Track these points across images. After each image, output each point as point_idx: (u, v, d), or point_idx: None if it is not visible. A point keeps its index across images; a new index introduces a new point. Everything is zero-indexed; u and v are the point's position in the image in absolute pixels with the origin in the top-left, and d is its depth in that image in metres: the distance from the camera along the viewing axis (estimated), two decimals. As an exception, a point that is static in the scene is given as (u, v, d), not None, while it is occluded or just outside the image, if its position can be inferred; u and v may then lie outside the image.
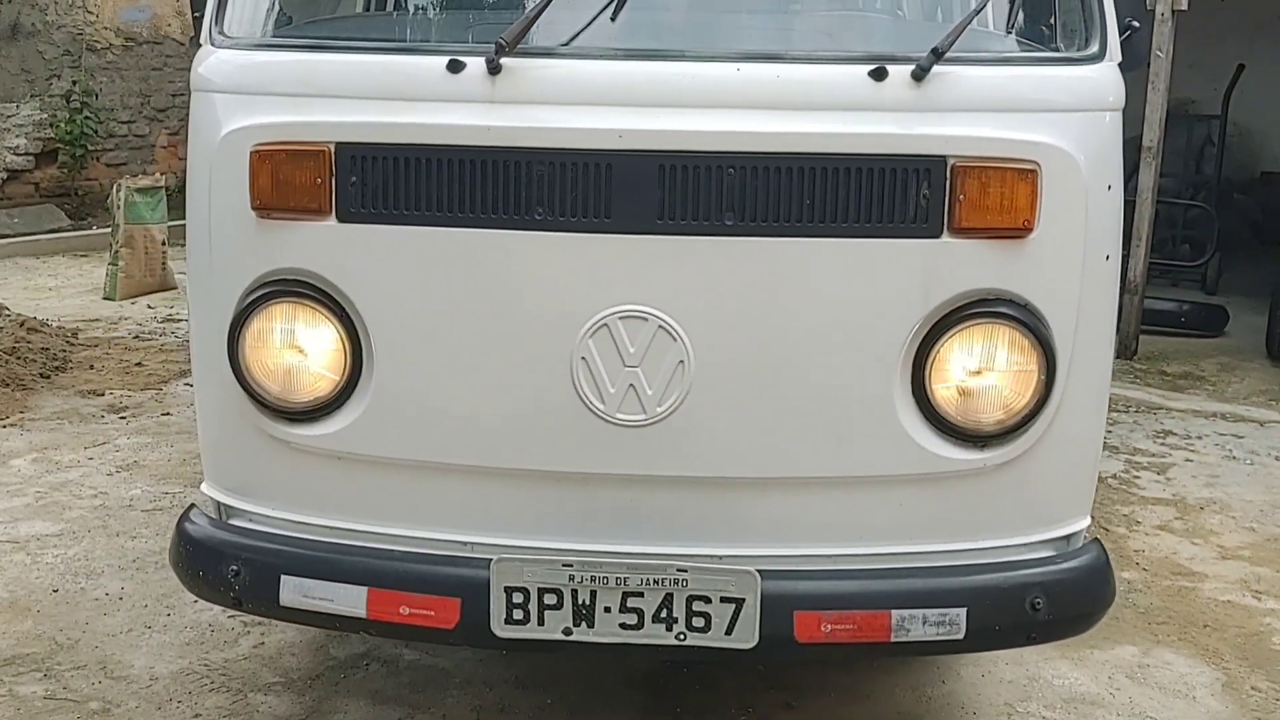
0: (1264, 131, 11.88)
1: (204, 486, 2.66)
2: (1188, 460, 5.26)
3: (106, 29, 11.48)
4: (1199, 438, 5.59)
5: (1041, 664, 3.36)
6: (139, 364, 6.36)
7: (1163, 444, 5.49)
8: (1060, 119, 2.36)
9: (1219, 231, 8.71)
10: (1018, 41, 2.57)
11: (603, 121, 2.27)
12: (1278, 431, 5.73)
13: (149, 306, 7.86)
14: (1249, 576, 4.06)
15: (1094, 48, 2.44)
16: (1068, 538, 2.56)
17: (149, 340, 6.94)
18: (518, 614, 2.35)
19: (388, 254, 2.35)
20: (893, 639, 2.37)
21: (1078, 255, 2.39)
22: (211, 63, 2.50)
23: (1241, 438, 5.61)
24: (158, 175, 8.84)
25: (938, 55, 2.29)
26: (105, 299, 8.08)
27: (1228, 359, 7.09)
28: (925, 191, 2.29)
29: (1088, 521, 2.60)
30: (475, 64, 2.31)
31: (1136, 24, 2.62)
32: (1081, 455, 2.56)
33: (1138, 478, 5.02)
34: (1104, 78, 2.43)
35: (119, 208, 8.11)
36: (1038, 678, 3.32)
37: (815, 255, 2.31)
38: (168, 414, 5.52)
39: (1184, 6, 6.51)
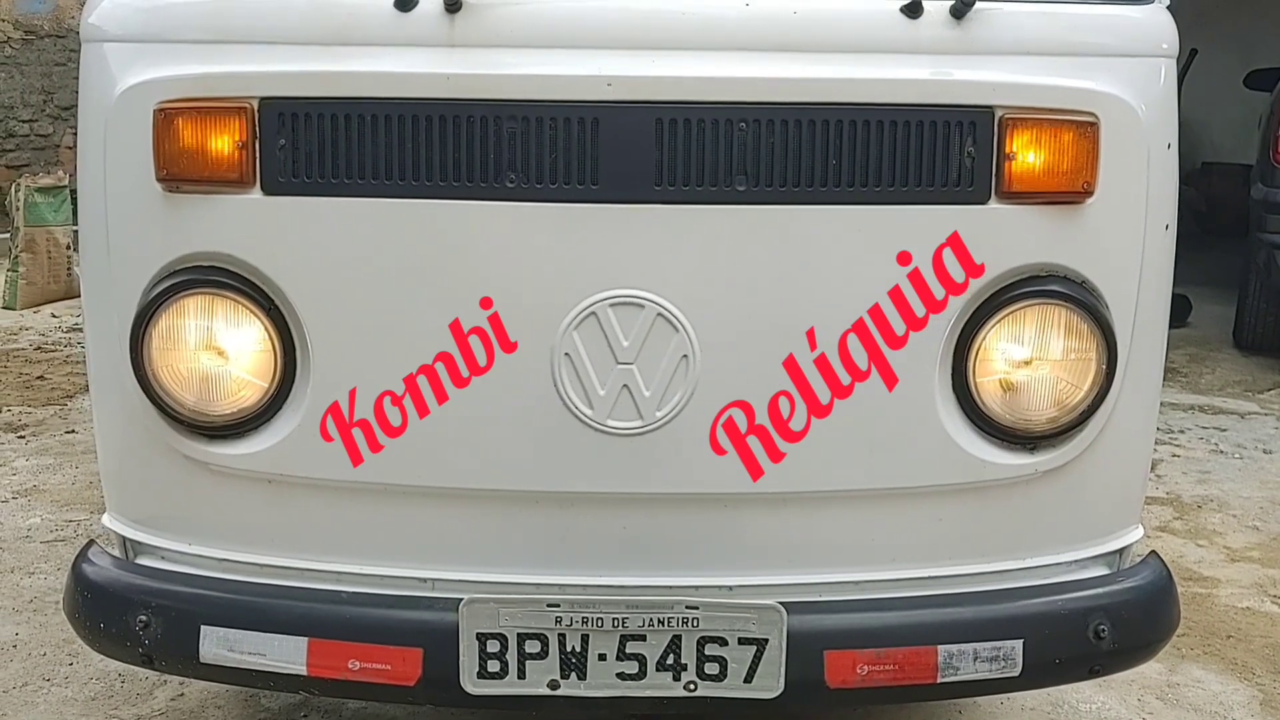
0: (1202, 122, 11.92)
1: (106, 519, 2.22)
2: (1175, 456, 5.01)
3: (4, 21, 10.79)
4: (1181, 431, 5.35)
5: (1064, 688, 3.02)
6: (41, 378, 5.87)
7: (1146, 439, 5.23)
8: (1118, 65, 2.04)
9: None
10: None
11: (587, 67, 1.90)
12: (1260, 423, 5.51)
13: (53, 315, 7.33)
14: (1264, 580, 3.78)
15: (1142, -16, 2.12)
16: (1120, 551, 2.25)
17: (52, 352, 6.42)
18: (493, 666, 1.95)
19: (325, 233, 1.95)
20: (939, 679, 2.01)
21: (1139, 224, 2.07)
22: (105, 8, 2.07)
23: (1224, 430, 5.38)
24: (61, 174, 8.24)
25: (981, -12, 1.95)
26: (5, 308, 7.57)
27: (1195, 349, 6.90)
28: (970, 149, 1.95)
29: (1141, 532, 2.28)
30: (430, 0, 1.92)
31: None
32: (1136, 456, 2.24)
33: (1126, 475, 4.74)
34: (1159, 20, 2.12)
35: (18, 209, 7.59)
36: (1061, 703, 2.99)
37: (841, 226, 1.96)
38: (72, 431, 5.00)
39: None
